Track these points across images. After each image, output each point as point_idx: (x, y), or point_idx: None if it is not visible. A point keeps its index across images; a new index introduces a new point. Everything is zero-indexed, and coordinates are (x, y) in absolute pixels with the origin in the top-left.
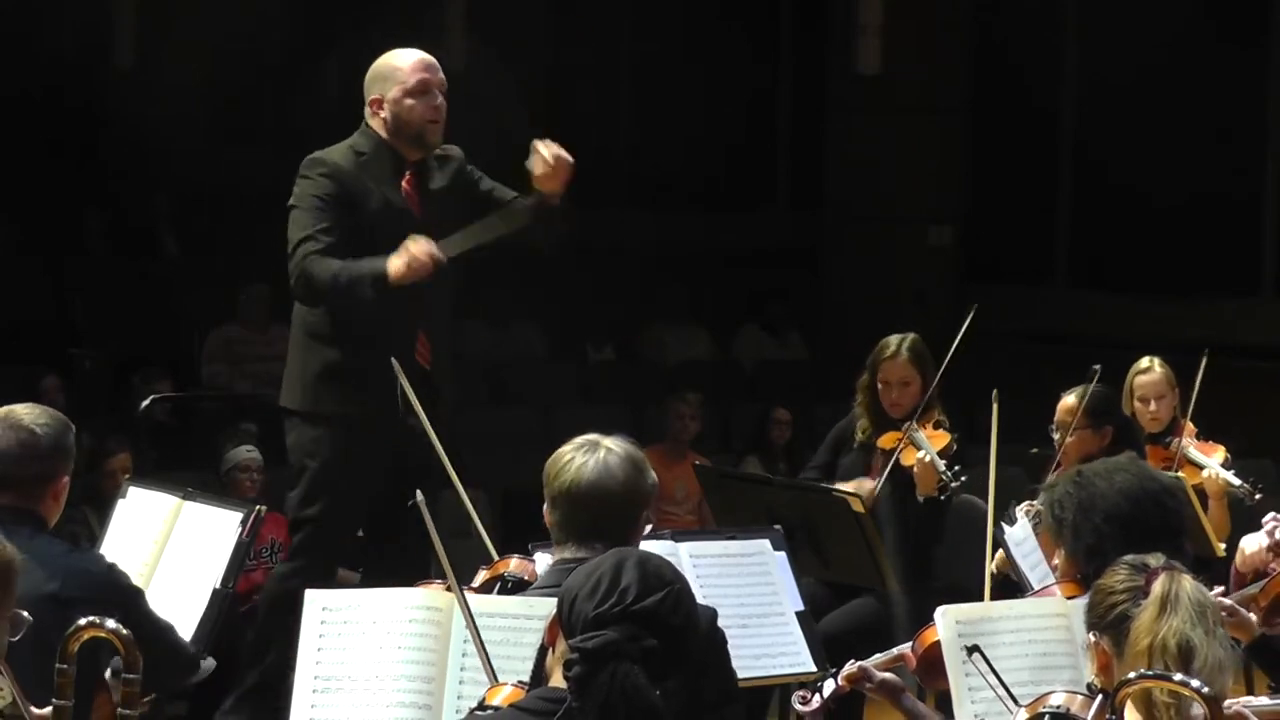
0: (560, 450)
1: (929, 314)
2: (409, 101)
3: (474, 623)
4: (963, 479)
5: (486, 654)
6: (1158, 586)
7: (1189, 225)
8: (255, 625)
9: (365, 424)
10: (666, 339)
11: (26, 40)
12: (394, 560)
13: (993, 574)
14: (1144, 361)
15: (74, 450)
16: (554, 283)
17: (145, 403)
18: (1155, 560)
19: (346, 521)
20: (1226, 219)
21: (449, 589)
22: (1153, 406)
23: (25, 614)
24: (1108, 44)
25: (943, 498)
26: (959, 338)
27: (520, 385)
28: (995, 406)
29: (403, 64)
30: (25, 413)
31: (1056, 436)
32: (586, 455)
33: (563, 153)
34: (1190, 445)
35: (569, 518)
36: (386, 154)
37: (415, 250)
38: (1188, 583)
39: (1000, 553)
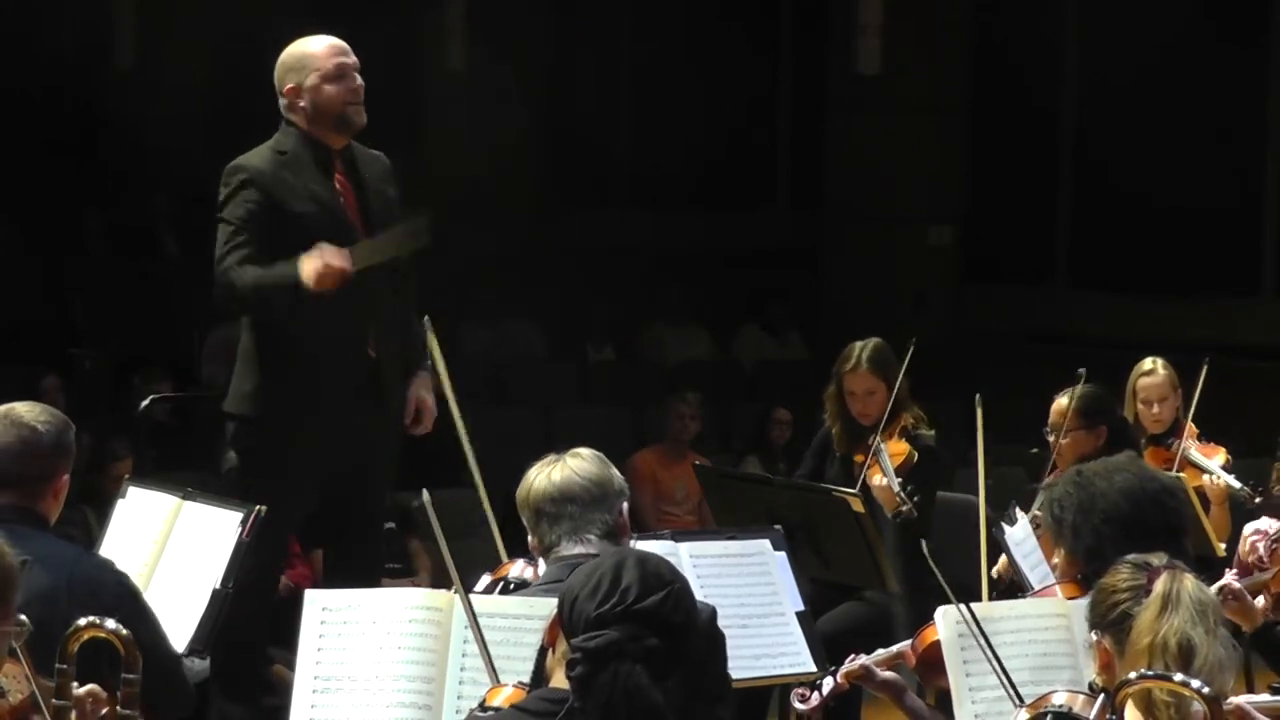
0: (527, 473)
1: (929, 314)
2: (328, 87)
3: (476, 622)
4: (915, 499)
5: (489, 654)
6: (1159, 585)
7: (1189, 225)
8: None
9: (309, 430)
10: (666, 339)
11: (26, 40)
12: (341, 572)
13: (996, 577)
14: (1147, 363)
15: (74, 448)
16: (554, 283)
17: (145, 403)
18: (1158, 559)
19: (285, 521)
20: (1226, 219)
21: (454, 590)
22: (1155, 409)
23: (25, 619)
24: (1108, 44)
25: (898, 520)
26: (904, 366)
27: (520, 385)
28: (980, 411)
29: (316, 50)
30: (26, 410)
31: (1051, 438)
32: (550, 465)
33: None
34: (1191, 447)
35: (553, 520)
36: (310, 148)
37: (326, 258)
38: (1189, 581)
39: (1003, 559)
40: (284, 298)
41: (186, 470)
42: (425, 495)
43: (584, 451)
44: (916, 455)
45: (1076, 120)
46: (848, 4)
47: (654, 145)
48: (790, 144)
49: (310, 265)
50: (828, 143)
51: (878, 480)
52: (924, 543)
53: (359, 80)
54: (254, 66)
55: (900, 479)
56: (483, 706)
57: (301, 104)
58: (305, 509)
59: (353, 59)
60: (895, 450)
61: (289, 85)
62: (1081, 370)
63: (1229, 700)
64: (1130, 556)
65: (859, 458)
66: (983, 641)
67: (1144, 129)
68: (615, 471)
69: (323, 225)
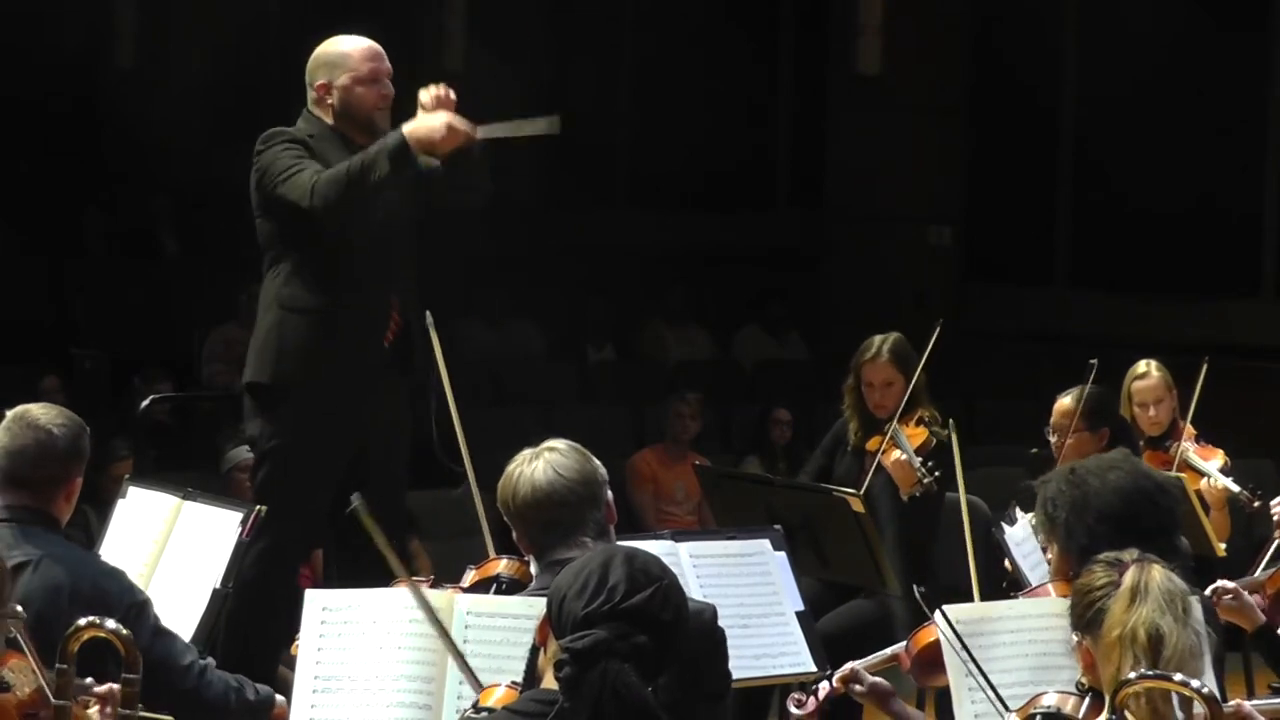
0: (506, 472)
1: (929, 314)
2: (359, 89)
3: (442, 627)
4: (936, 474)
5: (464, 659)
6: (1127, 577)
7: (1189, 225)
8: (226, 615)
9: (331, 400)
10: (666, 339)
11: (27, 41)
12: (363, 558)
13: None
14: (1140, 366)
15: (88, 451)
16: (554, 282)
17: (145, 403)
18: (1129, 555)
19: (310, 502)
20: (1227, 219)
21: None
22: (1152, 412)
23: (19, 608)
24: (1107, 44)
25: (919, 494)
26: (924, 356)
27: (520, 385)
28: (954, 437)
29: (352, 50)
30: (41, 413)
31: (1054, 439)
32: (533, 463)
33: (445, 93)
34: (1190, 450)
35: (544, 526)
36: (334, 137)
37: (453, 120)
38: (1157, 572)
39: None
40: (383, 164)
41: (186, 470)
42: (357, 498)
43: (560, 445)
44: (934, 442)
45: (1076, 120)
46: (848, 4)
47: (654, 145)
48: (790, 144)
49: (433, 120)
50: (828, 143)
51: (896, 457)
52: (916, 588)
53: (390, 87)
54: (255, 66)
55: (922, 459)
56: (475, 708)
57: (330, 101)
58: (332, 481)
59: (387, 65)
60: (913, 434)
61: (320, 81)
62: (1093, 361)
63: (1230, 702)
64: (1103, 555)
65: (872, 444)
66: (964, 655)
67: (1144, 129)
68: (595, 461)
69: None
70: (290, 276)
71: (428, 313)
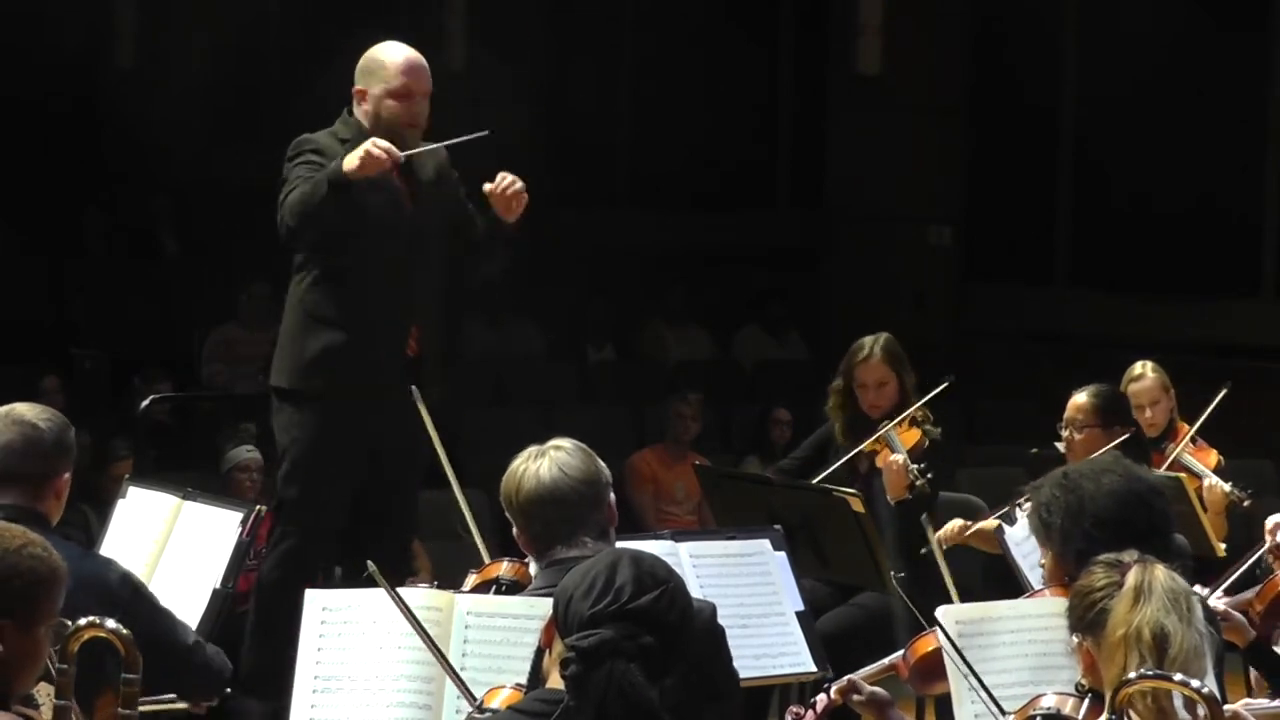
0: (511, 467)
1: (929, 314)
2: (390, 102)
3: (438, 649)
4: (929, 476)
5: (455, 671)
6: (1131, 578)
7: (1189, 225)
8: (251, 615)
9: (352, 406)
10: (666, 339)
11: (27, 41)
12: (372, 555)
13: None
14: (1136, 368)
15: (74, 448)
16: (554, 282)
17: (145, 403)
18: (1129, 556)
19: (329, 503)
20: (1227, 219)
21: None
22: (1148, 413)
23: (68, 623)
24: (1107, 44)
25: (910, 496)
26: (928, 398)
27: (520, 385)
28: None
29: (390, 62)
30: (27, 410)
31: (1065, 433)
32: (538, 460)
33: (516, 186)
34: (1185, 452)
35: (546, 523)
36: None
37: (371, 146)
38: (1160, 572)
39: (950, 526)
40: (321, 192)
41: (186, 470)
42: (371, 566)
43: (566, 444)
44: (928, 442)
45: (1076, 119)
46: (848, 4)
47: (654, 145)
48: (790, 144)
49: (358, 151)
50: (828, 142)
51: (891, 459)
52: (892, 574)
53: (422, 106)
54: (255, 66)
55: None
56: (480, 708)
57: (365, 107)
58: (348, 484)
59: (424, 85)
60: (906, 436)
61: (359, 86)
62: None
63: (1227, 706)
64: (1103, 556)
65: (868, 448)
66: (958, 659)
67: (1143, 128)
68: (600, 462)
69: (378, 204)
70: (314, 284)
71: (414, 387)
